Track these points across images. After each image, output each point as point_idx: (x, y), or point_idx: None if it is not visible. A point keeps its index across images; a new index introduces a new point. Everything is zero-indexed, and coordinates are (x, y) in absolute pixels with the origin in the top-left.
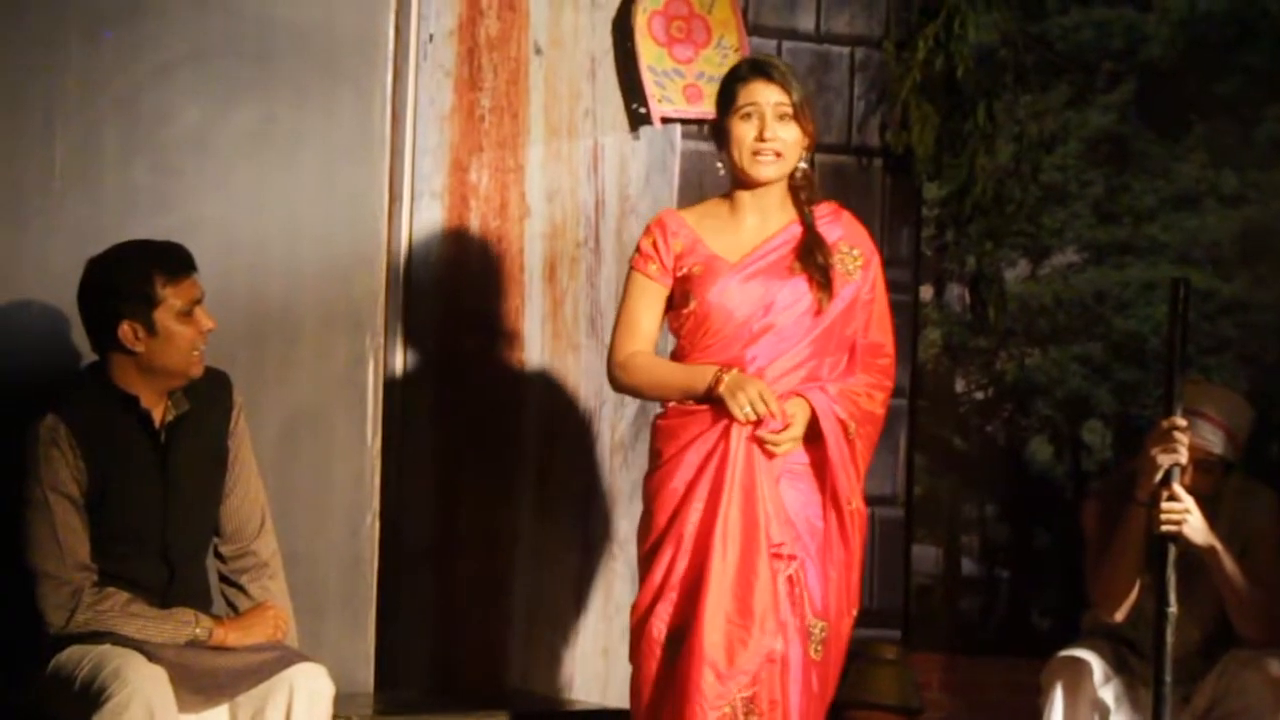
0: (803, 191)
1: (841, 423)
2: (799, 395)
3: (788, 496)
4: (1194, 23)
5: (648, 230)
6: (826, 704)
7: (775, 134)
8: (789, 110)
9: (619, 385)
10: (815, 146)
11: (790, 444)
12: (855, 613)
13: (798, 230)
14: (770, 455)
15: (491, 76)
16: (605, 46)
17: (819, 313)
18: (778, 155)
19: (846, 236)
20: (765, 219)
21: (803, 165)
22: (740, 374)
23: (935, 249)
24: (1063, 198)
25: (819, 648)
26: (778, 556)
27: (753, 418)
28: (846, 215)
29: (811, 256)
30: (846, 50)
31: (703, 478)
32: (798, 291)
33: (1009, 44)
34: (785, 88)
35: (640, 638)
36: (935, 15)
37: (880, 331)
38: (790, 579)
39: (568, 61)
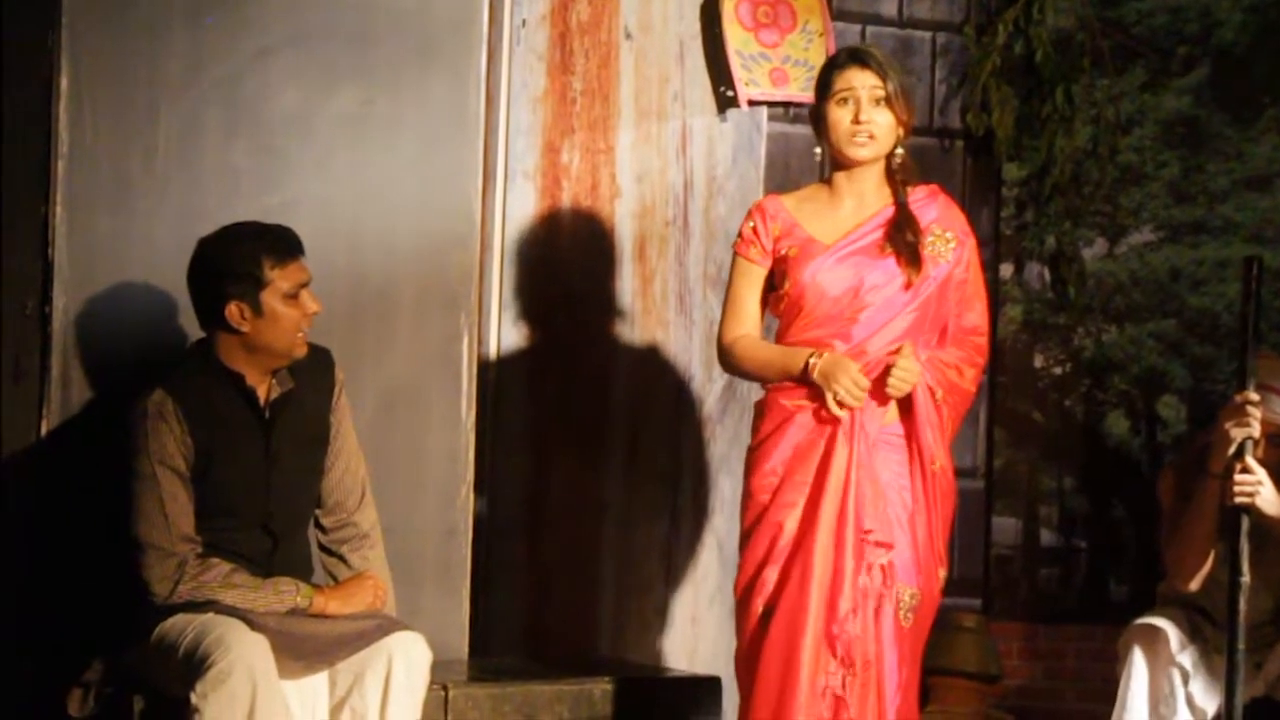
0: (899, 174)
1: (929, 388)
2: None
3: (882, 471)
4: (1266, 7)
5: (749, 215)
6: (918, 669)
7: (870, 117)
8: (883, 95)
9: (728, 367)
10: (910, 132)
11: (906, 382)
12: (944, 573)
13: (892, 212)
14: (886, 400)
15: (583, 60)
16: (693, 31)
17: (909, 287)
18: (871, 137)
19: (940, 219)
20: (862, 202)
21: (899, 150)
22: (833, 357)
23: (1015, 228)
24: (1139, 178)
25: (909, 615)
26: (866, 542)
27: (840, 411)
28: (943, 198)
29: (900, 234)
30: (928, 35)
31: (799, 457)
32: (889, 272)
33: (1086, 28)
34: (880, 74)
35: (743, 613)
36: (1014, 1)
37: (975, 312)
38: (882, 567)
39: (657, 46)
